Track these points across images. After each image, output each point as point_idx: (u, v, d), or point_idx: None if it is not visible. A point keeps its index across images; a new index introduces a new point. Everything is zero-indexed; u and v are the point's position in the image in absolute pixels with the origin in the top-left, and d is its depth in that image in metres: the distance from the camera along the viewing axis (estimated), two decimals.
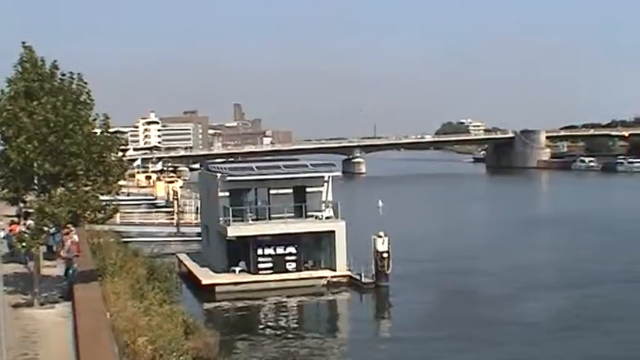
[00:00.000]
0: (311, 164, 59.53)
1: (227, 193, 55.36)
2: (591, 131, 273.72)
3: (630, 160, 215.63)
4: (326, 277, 53.57)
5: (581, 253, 67.32)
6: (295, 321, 47.35)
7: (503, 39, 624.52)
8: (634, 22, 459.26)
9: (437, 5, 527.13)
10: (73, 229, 30.31)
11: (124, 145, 37.86)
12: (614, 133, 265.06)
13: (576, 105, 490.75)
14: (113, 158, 28.08)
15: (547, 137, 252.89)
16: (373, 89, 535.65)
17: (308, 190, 56.34)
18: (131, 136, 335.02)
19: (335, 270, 53.94)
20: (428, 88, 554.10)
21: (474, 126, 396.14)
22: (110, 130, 28.43)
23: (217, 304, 50.20)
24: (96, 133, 27.64)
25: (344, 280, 53.50)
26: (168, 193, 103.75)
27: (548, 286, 53.42)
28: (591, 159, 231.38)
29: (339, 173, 65.37)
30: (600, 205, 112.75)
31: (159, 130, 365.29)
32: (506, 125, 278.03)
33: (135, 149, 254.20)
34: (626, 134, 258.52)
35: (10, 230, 35.06)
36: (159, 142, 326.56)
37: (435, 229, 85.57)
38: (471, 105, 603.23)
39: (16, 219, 37.98)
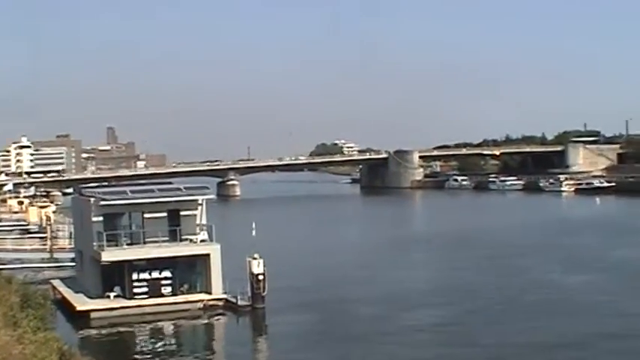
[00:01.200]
0: (185, 187, 59.29)
1: (101, 218, 54.63)
2: (464, 150, 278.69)
3: (502, 178, 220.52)
4: (202, 301, 53.41)
5: (454, 270, 68.67)
6: (172, 346, 46.99)
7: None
8: (507, 53, 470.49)
9: (313, 26, 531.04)
10: None
11: None
12: (485, 152, 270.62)
13: (449, 125, 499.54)
14: None
15: (420, 157, 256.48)
16: (247, 111, 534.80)
17: (182, 213, 56.08)
18: (2, 160, 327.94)
19: (211, 293, 53.76)
20: (302, 109, 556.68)
21: (348, 147, 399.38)
22: None
23: (93, 330, 49.58)
24: None
25: (220, 303, 53.33)
26: (41, 219, 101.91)
27: (422, 304, 54.19)
28: (464, 178, 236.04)
29: (213, 196, 65.30)
30: (472, 223, 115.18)
31: (31, 155, 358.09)
32: (381, 146, 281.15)
33: (6, 174, 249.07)
34: (498, 153, 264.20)
35: None
36: (31, 167, 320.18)
37: (310, 250, 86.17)
38: (345, 126, 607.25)
39: None
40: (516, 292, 56.89)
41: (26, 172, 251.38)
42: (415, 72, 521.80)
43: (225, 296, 53.53)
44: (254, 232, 57.59)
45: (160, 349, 45.34)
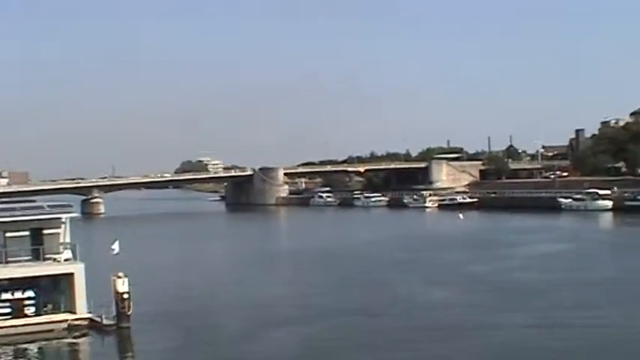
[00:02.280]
0: (48, 206, 58.12)
1: None
2: (328, 167, 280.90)
3: (366, 194, 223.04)
4: (66, 321, 52.47)
5: (318, 287, 69.01)
6: None
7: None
8: (371, 71, 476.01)
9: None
10: None
11: None
12: (350, 169, 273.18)
13: (314, 142, 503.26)
14: None
15: (285, 174, 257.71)
16: (111, 127, 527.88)
17: (45, 232, 54.97)
18: None
19: (75, 313, 52.84)
20: (167, 126, 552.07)
21: (213, 164, 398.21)
22: None
23: None
24: None
25: (85, 322, 52.46)
26: None
27: (287, 320, 54.34)
28: (329, 194, 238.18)
29: (77, 214, 64.23)
30: (336, 239, 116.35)
31: None
32: (246, 163, 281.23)
33: None
34: (362, 170, 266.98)
35: None
36: None
37: (176, 268, 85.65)
38: (210, 143, 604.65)
39: None
40: (379, 307, 57.47)
41: None
42: (280, 90, 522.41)
43: (89, 315, 52.69)
44: (117, 250, 56.84)
45: None
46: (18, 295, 52.11)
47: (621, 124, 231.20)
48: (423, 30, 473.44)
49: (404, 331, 49.41)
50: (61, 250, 54.83)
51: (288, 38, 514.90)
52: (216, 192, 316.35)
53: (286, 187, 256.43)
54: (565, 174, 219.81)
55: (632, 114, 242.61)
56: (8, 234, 53.94)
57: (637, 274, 69.83)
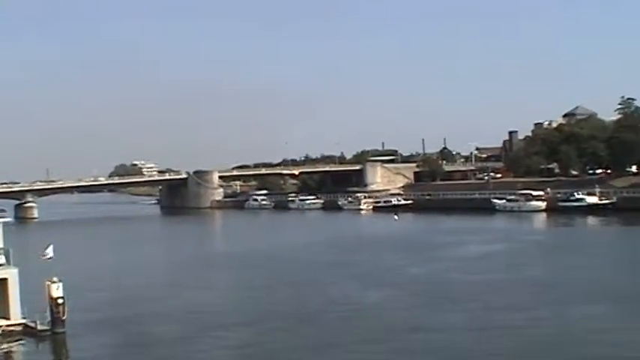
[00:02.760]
0: None
1: None
2: (263, 170, 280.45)
3: (301, 197, 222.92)
4: (0, 327, 51.84)
5: (254, 290, 68.92)
6: None
7: None
8: (305, 73, 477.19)
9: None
10: None
11: None
12: (285, 171, 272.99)
13: (250, 145, 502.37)
14: None
15: (220, 177, 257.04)
16: (44, 129, 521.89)
17: None
18: None
19: (9, 318, 52.25)
20: (101, 129, 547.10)
21: (148, 167, 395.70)
22: None
23: None
24: None
25: (19, 328, 51.92)
26: None
27: (222, 324, 54.07)
28: (264, 197, 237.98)
29: (10, 219, 63.42)
30: (271, 242, 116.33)
31: None
32: (181, 166, 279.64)
33: None
34: (297, 172, 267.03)
35: None
36: None
37: (111, 272, 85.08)
38: (145, 146, 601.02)
39: None
40: (315, 310, 57.57)
41: None
42: (215, 92, 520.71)
43: (24, 321, 52.12)
44: (51, 255, 56.21)
45: None
46: None
47: (554, 125, 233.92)
48: (357, 31, 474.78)
49: (340, 333, 49.56)
50: None
51: (218, 39, 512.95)
52: (151, 196, 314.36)
53: (221, 190, 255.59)
54: (499, 175, 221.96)
55: (564, 115, 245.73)
56: None
57: (569, 275, 70.73)
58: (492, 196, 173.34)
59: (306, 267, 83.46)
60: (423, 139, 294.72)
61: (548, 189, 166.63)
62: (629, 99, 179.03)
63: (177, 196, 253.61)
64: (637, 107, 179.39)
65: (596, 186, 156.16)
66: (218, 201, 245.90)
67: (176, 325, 54.32)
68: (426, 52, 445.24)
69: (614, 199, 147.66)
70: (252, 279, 76.36)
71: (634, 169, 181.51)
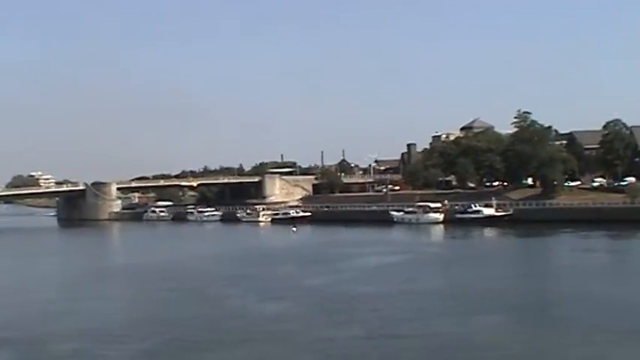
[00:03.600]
0: None
1: None
2: (162, 182, 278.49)
3: (200, 209, 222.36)
4: None
5: (152, 302, 67.92)
6: None
7: None
8: (205, 84, 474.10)
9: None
10: None
11: None
12: (183, 183, 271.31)
13: (148, 156, 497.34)
14: None
15: (118, 189, 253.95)
16: None
17: None
18: None
19: None
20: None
21: (45, 179, 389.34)
22: None
23: None
24: None
25: None
26: None
27: (121, 337, 52.82)
28: (162, 209, 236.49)
29: None
30: (169, 254, 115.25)
31: None
32: (79, 177, 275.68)
33: None
34: (195, 184, 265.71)
35: None
36: None
37: (6, 287, 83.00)
38: (42, 157, 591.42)
39: None
40: (213, 323, 56.80)
41: None
42: (113, 104, 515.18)
43: None
44: None
45: None
46: None
47: (452, 138, 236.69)
48: (254, 41, 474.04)
49: (238, 346, 49.00)
50: None
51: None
52: (49, 207, 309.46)
53: (119, 202, 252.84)
54: (397, 188, 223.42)
55: (462, 128, 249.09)
56: None
57: (464, 287, 71.16)
58: (390, 208, 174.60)
59: (204, 279, 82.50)
60: (322, 152, 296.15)
61: (446, 201, 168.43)
62: (525, 112, 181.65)
63: (75, 207, 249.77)
64: (533, 121, 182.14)
65: (493, 198, 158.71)
66: (116, 213, 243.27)
67: (74, 339, 52.84)
68: (324, 63, 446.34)
69: (511, 211, 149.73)
70: (147, 292, 75.20)
71: (530, 181, 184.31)
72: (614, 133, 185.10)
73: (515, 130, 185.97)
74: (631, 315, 54.00)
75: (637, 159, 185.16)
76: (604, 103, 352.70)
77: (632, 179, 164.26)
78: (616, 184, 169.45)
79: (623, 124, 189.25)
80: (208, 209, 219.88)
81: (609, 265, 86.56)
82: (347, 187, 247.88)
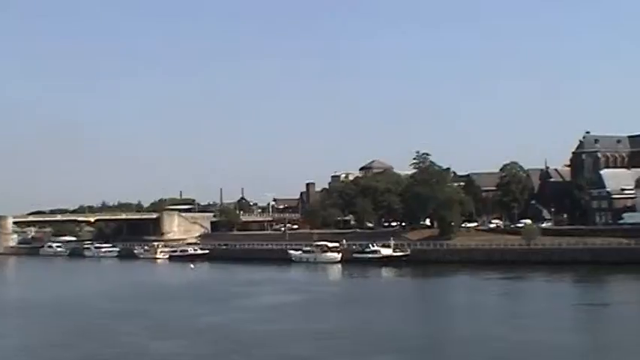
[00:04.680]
0: None
1: None
2: (59, 217, 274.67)
3: (97, 245, 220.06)
4: None
5: (42, 340, 66.80)
6: None
7: None
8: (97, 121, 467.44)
9: None
10: None
11: None
12: (80, 218, 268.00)
13: (45, 191, 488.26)
14: None
15: (15, 223, 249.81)
16: None
17: None
18: None
19: None
20: None
21: None
22: None
23: None
24: None
25: None
26: None
27: None
28: (59, 244, 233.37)
29: None
30: (63, 290, 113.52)
31: None
32: None
33: None
34: (92, 220, 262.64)
35: None
36: None
37: None
38: None
39: None
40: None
41: None
42: (9, 138, 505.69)
43: None
44: None
45: None
46: None
47: (351, 178, 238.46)
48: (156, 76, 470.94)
49: None
50: None
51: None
52: None
53: (15, 235, 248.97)
54: (296, 226, 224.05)
55: (361, 168, 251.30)
56: None
57: (360, 326, 71.42)
58: (289, 247, 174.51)
59: (98, 316, 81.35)
60: (221, 189, 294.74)
61: (344, 240, 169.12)
62: (424, 154, 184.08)
63: None
64: (431, 162, 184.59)
65: (391, 238, 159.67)
66: (12, 247, 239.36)
67: None
68: (224, 101, 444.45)
69: (408, 252, 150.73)
70: (41, 328, 74.06)
71: (428, 222, 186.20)
72: (510, 176, 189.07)
73: (414, 171, 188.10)
74: (521, 355, 54.94)
75: (533, 201, 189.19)
76: (501, 145, 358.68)
77: (528, 221, 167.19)
78: (512, 225, 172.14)
79: (520, 166, 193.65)
80: (106, 245, 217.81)
81: (503, 307, 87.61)
82: (246, 226, 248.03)
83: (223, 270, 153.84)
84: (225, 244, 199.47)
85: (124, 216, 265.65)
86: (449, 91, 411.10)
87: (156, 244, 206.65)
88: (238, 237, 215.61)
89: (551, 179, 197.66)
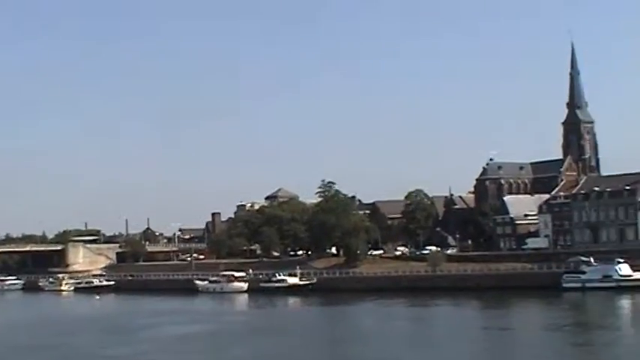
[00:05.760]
0: None
1: None
2: None
3: (0, 278, 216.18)
4: None
5: None
6: None
7: None
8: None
9: None
10: None
11: None
12: None
13: None
14: None
15: None
16: None
17: None
18: None
19: None
20: None
21: None
22: None
23: None
24: None
25: None
26: None
27: None
28: None
29: None
30: None
31: None
32: None
33: None
34: None
35: None
36: None
37: None
38: None
39: None
40: None
41: None
42: None
43: None
44: None
45: None
46: None
47: (257, 207, 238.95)
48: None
49: None
50: None
51: None
52: None
53: None
54: (202, 257, 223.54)
55: (267, 198, 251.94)
56: None
57: (267, 357, 71.95)
58: (195, 277, 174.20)
59: (0, 351, 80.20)
60: (126, 220, 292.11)
61: (250, 270, 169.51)
62: (329, 182, 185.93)
63: None
64: (337, 191, 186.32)
65: (297, 267, 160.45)
66: None
67: None
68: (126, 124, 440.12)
69: (315, 280, 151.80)
70: None
71: (334, 250, 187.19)
72: (415, 203, 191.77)
73: (320, 199, 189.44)
74: None
75: (438, 228, 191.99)
76: (405, 174, 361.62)
77: (433, 248, 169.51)
78: (418, 252, 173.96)
79: (425, 194, 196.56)
80: (9, 278, 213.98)
81: (409, 333, 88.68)
82: (152, 256, 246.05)
83: (129, 301, 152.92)
84: (131, 275, 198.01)
85: (28, 248, 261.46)
86: (352, 120, 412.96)
87: (61, 275, 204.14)
88: (144, 268, 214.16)
89: (456, 206, 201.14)
